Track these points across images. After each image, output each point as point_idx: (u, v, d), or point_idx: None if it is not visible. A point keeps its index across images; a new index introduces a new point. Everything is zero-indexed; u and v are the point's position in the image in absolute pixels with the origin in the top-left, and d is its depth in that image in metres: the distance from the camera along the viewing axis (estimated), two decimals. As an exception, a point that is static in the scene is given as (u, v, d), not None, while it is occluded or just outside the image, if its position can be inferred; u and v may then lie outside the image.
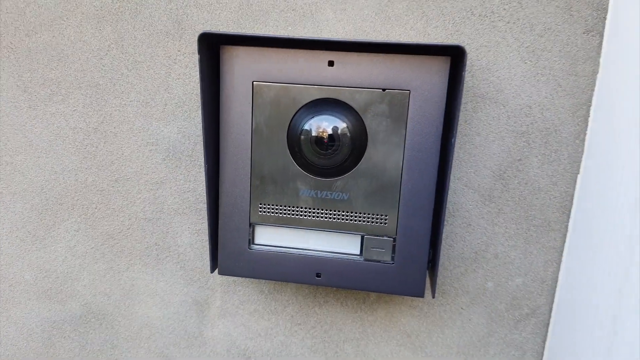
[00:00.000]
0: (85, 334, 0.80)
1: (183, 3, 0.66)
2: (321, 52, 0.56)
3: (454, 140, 0.53)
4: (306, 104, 0.58)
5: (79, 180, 0.73)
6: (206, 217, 0.72)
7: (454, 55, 0.54)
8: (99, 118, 0.71)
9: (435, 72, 0.55)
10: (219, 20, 0.65)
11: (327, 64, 0.56)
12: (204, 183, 0.71)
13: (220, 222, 0.63)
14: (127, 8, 0.67)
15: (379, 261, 0.61)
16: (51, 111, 0.71)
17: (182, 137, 0.70)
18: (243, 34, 0.54)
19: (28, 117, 0.72)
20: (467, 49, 0.62)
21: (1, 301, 0.81)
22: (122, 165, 0.72)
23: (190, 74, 0.68)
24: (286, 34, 0.65)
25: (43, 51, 0.70)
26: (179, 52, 0.67)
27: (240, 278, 0.73)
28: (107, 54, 0.68)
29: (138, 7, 0.66)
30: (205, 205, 0.71)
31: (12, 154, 0.74)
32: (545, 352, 0.71)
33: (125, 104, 0.70)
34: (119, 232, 0.75)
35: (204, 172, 0.68)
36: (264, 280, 0.73)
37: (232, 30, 0.66)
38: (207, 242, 0.72)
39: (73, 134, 0.72)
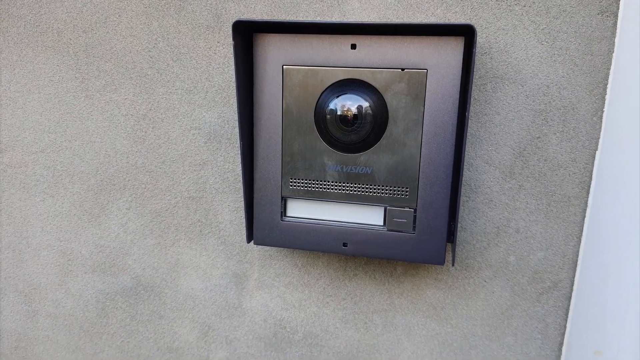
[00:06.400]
0: (135, 305, 0.88)
1: (221, -2, 0.72)
2: (344, 36, 0.61)
3: (468, 114, 0.57)
4: (331, 85, 0.63)
5: (130, 162, 0.81)
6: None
7: (468, 36, 0.58)
8: (147, 105, 0.78)
9: (450, 51, 0.59)
10: (254, 12, 0.72)
11: (349, 47, 0.61)
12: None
13: (254, 196, 0.69)
14: (172, 4, 0.74)
15: (401, 231, 0.65)
16: (105, 100, 0.80)
17: (222, 122, 0.76)
18: (273, 20, 0.60)
19: (85, 105, 0.81)
20: (486, 32, 0.66)
21: (61, 274, 0.90)
22: (168, 148, 0.79)
23: (228, 63, 0.74)
24: (314, 23, 0.70)
25: (98, 46, 0.78)
26: (219, 44, 0.74)
27: (275, 252, 0.79)
28: (154, 46, 0.76)
29: (182, 3, 0.73)
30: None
31: (71, 139, 0.83)
32: (568, 325, 0.73)
33: (170, 92, 0.77)
34: (166, 210, 0.82)
35: (239, 150, 0.75)
36: (297, 254, 0.79)
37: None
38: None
39: (125, 120, 0.80)
